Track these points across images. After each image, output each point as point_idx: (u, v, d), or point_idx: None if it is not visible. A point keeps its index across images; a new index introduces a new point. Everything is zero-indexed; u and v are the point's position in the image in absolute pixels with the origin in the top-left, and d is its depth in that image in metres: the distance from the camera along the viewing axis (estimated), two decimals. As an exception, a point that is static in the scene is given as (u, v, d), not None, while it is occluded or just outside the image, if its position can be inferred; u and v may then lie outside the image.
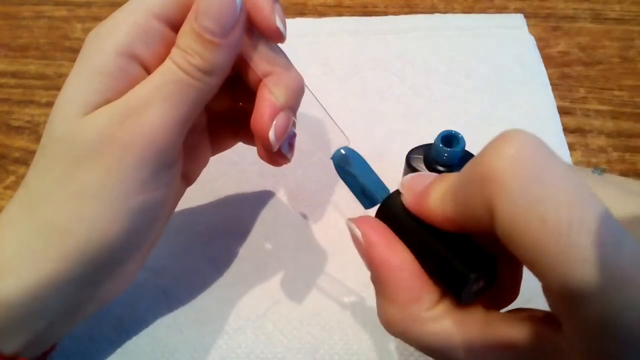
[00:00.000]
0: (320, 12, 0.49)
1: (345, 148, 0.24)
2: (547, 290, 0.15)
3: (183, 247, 0.34)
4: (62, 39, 0.49)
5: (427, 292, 0.19)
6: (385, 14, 0.48)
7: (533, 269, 0.15)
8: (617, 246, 0.14)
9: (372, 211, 0.23)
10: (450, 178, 0.18)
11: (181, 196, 0.30)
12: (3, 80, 0.46)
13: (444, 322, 0.18)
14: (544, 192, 0.14)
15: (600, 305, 0.14)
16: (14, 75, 0.46)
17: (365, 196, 0.23)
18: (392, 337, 0.30)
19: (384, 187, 0.23)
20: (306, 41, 0.46)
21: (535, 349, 0.17)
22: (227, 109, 0.30)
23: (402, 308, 0.19)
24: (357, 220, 0.20)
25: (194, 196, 0.37)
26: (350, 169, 0.24)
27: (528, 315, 0.18)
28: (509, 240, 0.15)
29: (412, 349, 0.30)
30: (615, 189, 0.17)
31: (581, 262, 0.14)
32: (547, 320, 0.17)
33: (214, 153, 0.31)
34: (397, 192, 0.21)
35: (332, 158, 0.25)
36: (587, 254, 0.14)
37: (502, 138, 0.16)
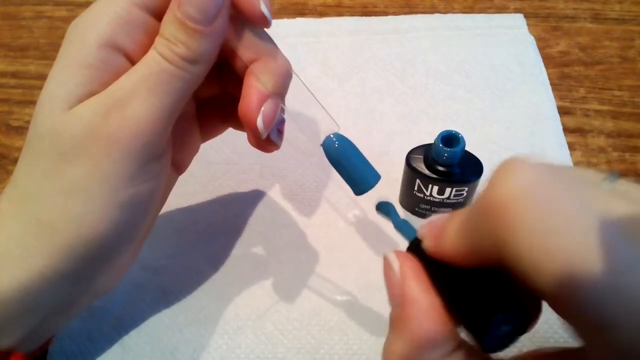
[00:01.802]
0: (320, 12, 0.49)
1: (335, 134, 0.24)
2: (569, 318, 0.15)
3: (183, 247, 0.34)
4: (62, 39, 0.49)
5: (450, 338, 0.18)
6: (385, 14, 0.48)
7: (550, 300, 0.15)
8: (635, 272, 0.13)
9: (366, 200, 0.22)
10: (461, 212, 0.17)
11: (173, 185, 0.29)
12: (3, 80, 0.46)
13: None
14: (556, 223, 0.14)
15: (626, 332, 0.13)
16: (14, 75, 0.46)
17: (355, 182, 0.23)
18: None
19: (375, 173, 0.23)
20: (306, 41, 0.46)
21: None
22: (216, 95, 0.29)
23: (420, 350, 0.18)
24: (398, 253, 0.20)
25: (195, 196, 0.37)
26: (341, 155, 0.23)
27: (546, 354, 0.17)
28: (523, 275, 0.14)
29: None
30: (625, 204, 0.16)
31: (601, 292, 0.13)
32: (568, 356, 0.17)
33: (204, 140, 0.31)
34: None
35: (322, 144, 0.24)
36: (607, 283, 0.13)
37: (505, 167, 0.15)
